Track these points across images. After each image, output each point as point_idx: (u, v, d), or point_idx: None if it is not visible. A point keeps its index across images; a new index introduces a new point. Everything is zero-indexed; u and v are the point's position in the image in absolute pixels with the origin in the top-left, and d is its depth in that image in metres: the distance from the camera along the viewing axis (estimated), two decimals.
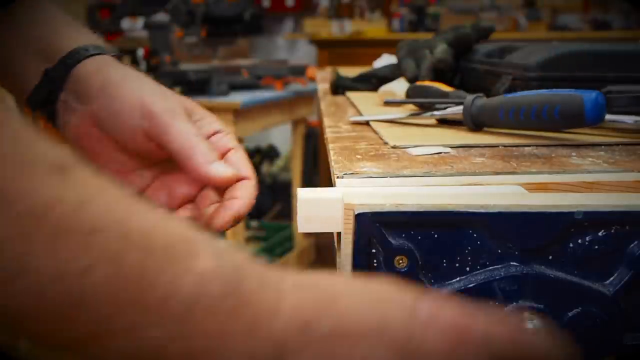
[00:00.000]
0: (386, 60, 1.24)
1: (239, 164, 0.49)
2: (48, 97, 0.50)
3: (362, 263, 0.38)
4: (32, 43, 0.51)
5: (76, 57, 0.49)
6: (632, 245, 0.38)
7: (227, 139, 0.51)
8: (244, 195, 0.48)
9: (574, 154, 0.54)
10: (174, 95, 0.49)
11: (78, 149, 0.49)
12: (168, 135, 0.46)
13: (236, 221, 0.48)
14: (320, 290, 0.29)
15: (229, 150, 0.50)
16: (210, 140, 0.49)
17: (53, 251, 0.23)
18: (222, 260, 0.27)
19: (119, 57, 0.51)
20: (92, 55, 0.50)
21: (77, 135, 0.49)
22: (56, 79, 0.49)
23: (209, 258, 0.27)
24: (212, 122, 0.51)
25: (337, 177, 0.47)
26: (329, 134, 0.67)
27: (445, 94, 0.75)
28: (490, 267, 0.38)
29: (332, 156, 0.54)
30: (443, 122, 0.70)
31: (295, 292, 0.28)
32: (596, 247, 0.38)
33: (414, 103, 0.80)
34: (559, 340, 0.29)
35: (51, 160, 0.25)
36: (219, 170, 0.46)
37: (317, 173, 3.41)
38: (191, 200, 0.50)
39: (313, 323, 0.27)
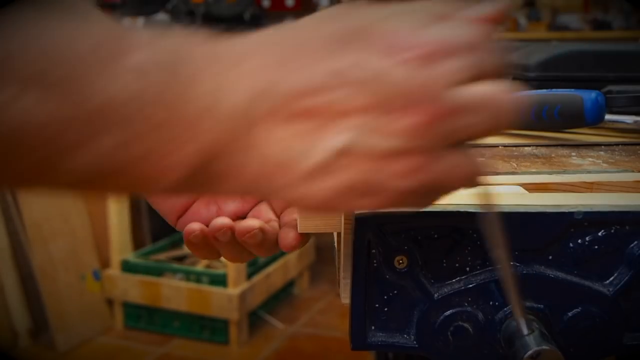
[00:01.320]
0: None
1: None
2: None
3: (362, 263, 0.38)
4: None
5: None
6: (632, 245, 0.38)
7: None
8: None
9: (574, 154, 0.54)
10: None
11: None
12: None
13: (304, 242, 0.44)
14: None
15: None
16: None
17: None
18: (157, 47, 0.25)
19: None
20: None
21: None
22: None
23: (142, 50, 0.24)
24: None
25: None
26: None
27: None
28: (490, 267, 0.38)
29: None
30: None
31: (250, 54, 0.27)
32: (596, 247, 0.38)
33: None
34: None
35: None
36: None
37: None
38: (241, 216, 0.46)
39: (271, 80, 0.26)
